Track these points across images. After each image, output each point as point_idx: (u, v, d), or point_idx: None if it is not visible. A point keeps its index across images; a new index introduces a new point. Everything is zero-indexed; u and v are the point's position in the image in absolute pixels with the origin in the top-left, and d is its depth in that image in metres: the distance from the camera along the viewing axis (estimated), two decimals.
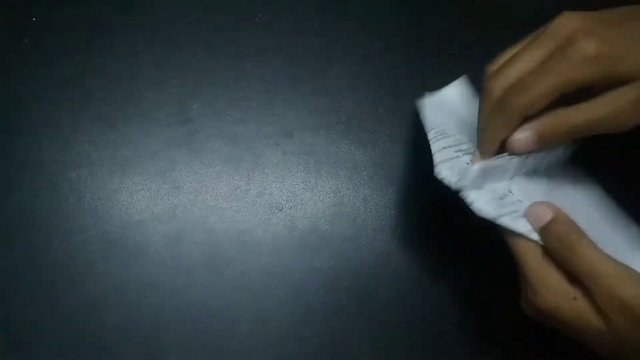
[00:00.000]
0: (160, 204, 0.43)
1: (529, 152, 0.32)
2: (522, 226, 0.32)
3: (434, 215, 0.44)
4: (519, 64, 0.31)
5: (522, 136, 0.31)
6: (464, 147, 0.36)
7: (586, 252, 0.30)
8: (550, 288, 0.30)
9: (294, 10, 0.47)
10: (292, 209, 0.44)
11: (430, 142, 0.36)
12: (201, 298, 0.41)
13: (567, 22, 0.30)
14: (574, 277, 0.30)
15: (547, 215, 0.31)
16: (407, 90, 0.46)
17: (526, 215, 0.32)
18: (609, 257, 0.30)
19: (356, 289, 0.42)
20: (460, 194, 0.34)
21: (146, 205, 0.43)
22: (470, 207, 0.33)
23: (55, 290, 0.41)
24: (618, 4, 0.33)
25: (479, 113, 0.33)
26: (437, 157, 0.34)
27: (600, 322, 0.29)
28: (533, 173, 0.35)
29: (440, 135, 0.36)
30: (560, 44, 0.30)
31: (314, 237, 0.43)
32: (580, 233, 0.31)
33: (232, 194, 0.44)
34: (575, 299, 0.29)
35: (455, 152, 0.35)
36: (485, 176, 0.33)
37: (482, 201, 0.33)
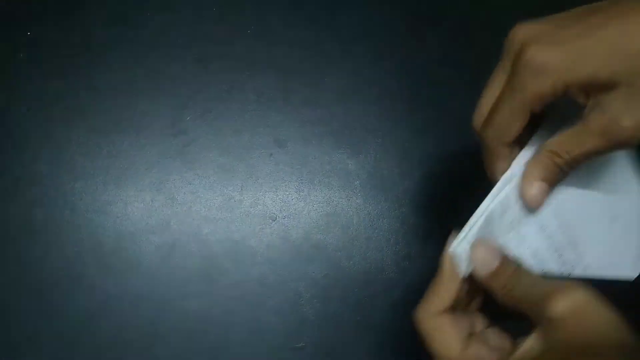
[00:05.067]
0: (154, 215, 0.43)
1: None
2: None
3: (428, 223, 0.44)
4: (486, 96, 0.30)
5: (532, 194, 0.29)
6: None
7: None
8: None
9: (286, 23, 0.47)
10: (286, 219, 0.44)
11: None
12: (195, 309, 0.41)
13: (516, 36, 0.28)
14: None
15: (493, 264, 0.29)
16: (398, 100, 0.47)
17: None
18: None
19: (350, 298, 0.42)
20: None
21: (140, 216, 0.43)
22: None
23: (49, 302, 0.41)
24: None
25: None
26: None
27: None
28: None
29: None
30: (513, 61, 0.28)
31: (307, 247, 0.43)
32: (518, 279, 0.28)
33: (226, 205, 0.44)
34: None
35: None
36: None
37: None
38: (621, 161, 0.33)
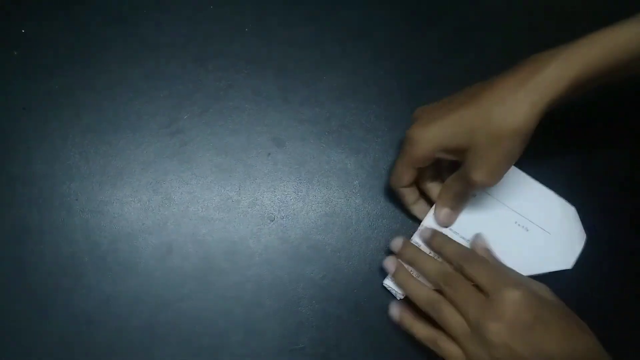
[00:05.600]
0: (151, 216, 0.43)
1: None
2: None
3: None
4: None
5: (440, 217, 0.42)
6: None
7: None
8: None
9: (283, 22, 0.47)
10: (284, 219, 0.43)
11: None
12: (193, 310, 0.41)
13: (413, 115, 0.41)
14: None
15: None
16: (397, 99, 0.46)
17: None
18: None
19: (348, 299, 0.42)
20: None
21: (137, 217, 0.43)
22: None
23: (45, 304, 0.40)
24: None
25: None
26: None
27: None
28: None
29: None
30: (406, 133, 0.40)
31: (305, 247, 0.43)
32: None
33: (224, 205, 0.43)
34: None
35: None
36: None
37: None
38: (526, 179, 0.43)
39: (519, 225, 0.42)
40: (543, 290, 0.39)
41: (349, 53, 0.47)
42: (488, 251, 0.41)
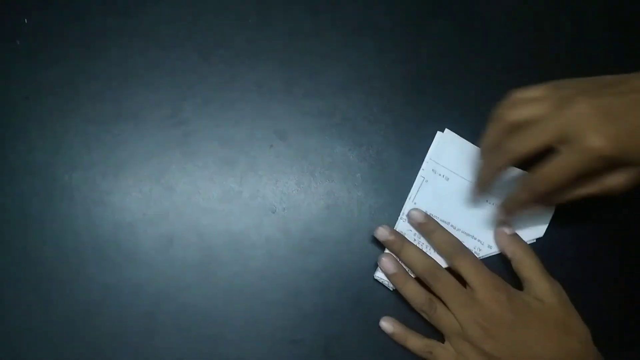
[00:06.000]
0: (153, 206, 0.43)
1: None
2: None
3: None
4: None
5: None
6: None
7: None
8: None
9: (287, 13, 0.47)
10: (286, 211, 0.43)
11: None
12: (194, 301, 0.41)
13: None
14: None
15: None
16: (400, 92, 0.46)
17: None
18: None
19: (350, 291, 0.42)
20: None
21: (139, 207, 0.43)
22: None
23: (47, 294, 0.40)
24: None
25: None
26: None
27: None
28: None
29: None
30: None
31: (307, 240, 0.43)
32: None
33: (226, 196, 0.43)
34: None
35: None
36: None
37: None
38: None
39: (490, 203, 0.44)
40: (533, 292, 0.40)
41: (353, 45, 0.47)
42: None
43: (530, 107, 0.36)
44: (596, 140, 0.32)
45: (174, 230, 0.42)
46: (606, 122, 0.33)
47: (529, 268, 0.40)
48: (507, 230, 0.42)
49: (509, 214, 0.41)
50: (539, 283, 0.40)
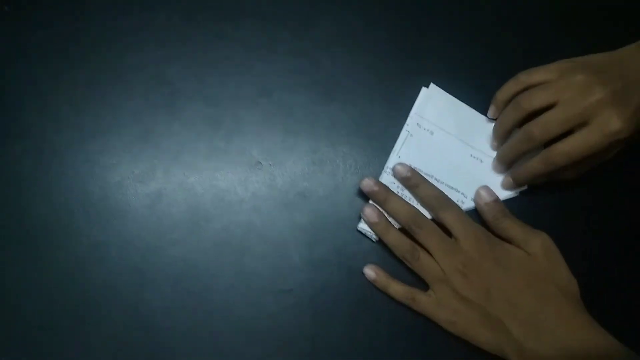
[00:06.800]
0: (140, 165, 0.43)
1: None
2: None
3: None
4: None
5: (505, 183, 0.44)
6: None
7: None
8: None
9: None
10: (272, 167, 0.44)
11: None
12: (182, 254, 0.42)
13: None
14: None
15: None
16: (385, 49, 0.46)
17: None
18: None
19: (335, 243, 0.42)
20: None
21: (127, 166, 0.43)
22: None
23: (38, 250, 0.41)
24: None
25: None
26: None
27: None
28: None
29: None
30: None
31: (293, 194, 0.43)
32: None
33: (212, 154, 0.44)
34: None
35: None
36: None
37: None
38: (476, 115, 0.45)
39: (473, 157, 0.44)
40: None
41: (338, 2, 0.47)
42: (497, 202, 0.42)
43: (543, 93, 0.40)
44: (617, 124, 0.38)
45: (161, 188, 0.43)
46: (621, 106, 0.38)
47: (510, 227, 0.41)
48: (487, 197, 0.42)
49: (516, 182, 0.43)
50: (520, 235, 0.40)
